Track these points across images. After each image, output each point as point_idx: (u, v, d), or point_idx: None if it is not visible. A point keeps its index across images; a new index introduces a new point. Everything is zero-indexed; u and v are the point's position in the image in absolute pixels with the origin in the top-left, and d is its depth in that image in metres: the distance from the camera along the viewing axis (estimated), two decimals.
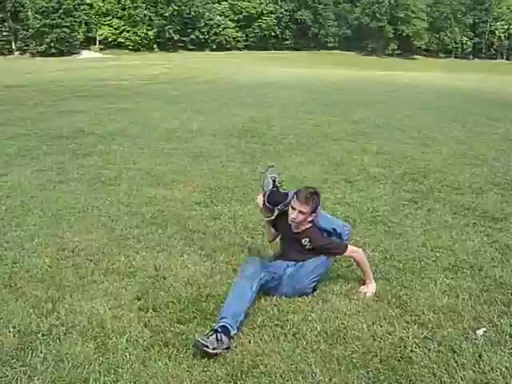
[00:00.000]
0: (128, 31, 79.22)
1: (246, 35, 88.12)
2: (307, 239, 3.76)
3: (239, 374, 2.80)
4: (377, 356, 2.98)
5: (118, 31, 79.31)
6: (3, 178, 6.72)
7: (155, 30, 79.75)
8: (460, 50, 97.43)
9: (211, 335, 2.97)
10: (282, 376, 2.80)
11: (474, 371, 2.85)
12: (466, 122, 13.41)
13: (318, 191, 3.82)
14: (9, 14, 72.64)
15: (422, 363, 2.92)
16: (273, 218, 3.94)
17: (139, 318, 3.33)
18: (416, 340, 3.14)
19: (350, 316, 3.41)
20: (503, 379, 2.80)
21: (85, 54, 72.46)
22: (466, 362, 2.93)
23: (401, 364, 2.92)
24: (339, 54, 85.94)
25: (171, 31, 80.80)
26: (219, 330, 3.00)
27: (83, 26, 75.95)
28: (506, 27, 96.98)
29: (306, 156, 8.59)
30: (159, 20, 79.75)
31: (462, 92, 24.33)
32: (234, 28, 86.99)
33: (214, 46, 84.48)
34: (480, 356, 2.98)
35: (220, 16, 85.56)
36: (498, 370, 2.86)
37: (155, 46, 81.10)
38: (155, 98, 17.36)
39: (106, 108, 14.15)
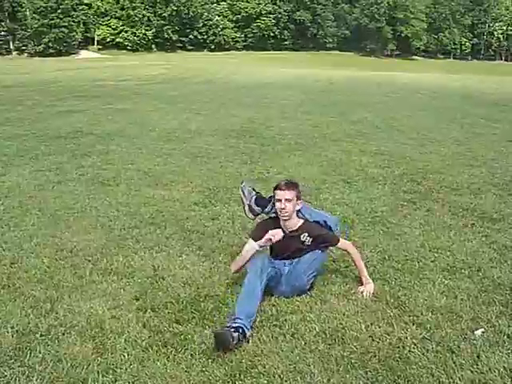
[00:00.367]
0: (126, 31, 79.16)
1: (245, 35, 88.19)
2: (306, 234, 3.81)
3: (238, 375, 2.80)
4: (375, 356, 2.99)
5: (116, 31, 79.23)
6: (1, 178, 6.72)
7: (154, 30, 79.69)
8: (459, 50, 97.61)
9: (234, 332, 3.02)
10: (280, 376, 2.80)
11: (472, 371, 2.86)
12: (464, 123, 13.40)
13: (294, 180, 4.03)
14: (7, 13, 72.47)
15: (420, 363, 2.93)
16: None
17: (138, 318, 3.34)
18: (414, 340, 3.14)
19: (349, 316, 3.41)
20: (501, 379, 2.81)
21: (83, 54, 72.36)
22: (464, 362, 2.94)
23: (399, 364, 2.92)
24: (338, 54, 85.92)
25: (170, 31, 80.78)
26: (239, 330, 3.06)
27: (81, 26, 75.81)
28: (504, 28, 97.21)
29: (304, 156, 8.59)
30: (158, 20, 79.73)
31: (460, 93, 24.32)
32: (232, 28, 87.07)
33: (213, 47, 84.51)
34: (478, 356, 2.99)
35: (219, 16, 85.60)
36: (496, 371, 2.87)
37: (154, 46, 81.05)
38: (154, 98, 17.34)
39: (105, 108, 14.14)
